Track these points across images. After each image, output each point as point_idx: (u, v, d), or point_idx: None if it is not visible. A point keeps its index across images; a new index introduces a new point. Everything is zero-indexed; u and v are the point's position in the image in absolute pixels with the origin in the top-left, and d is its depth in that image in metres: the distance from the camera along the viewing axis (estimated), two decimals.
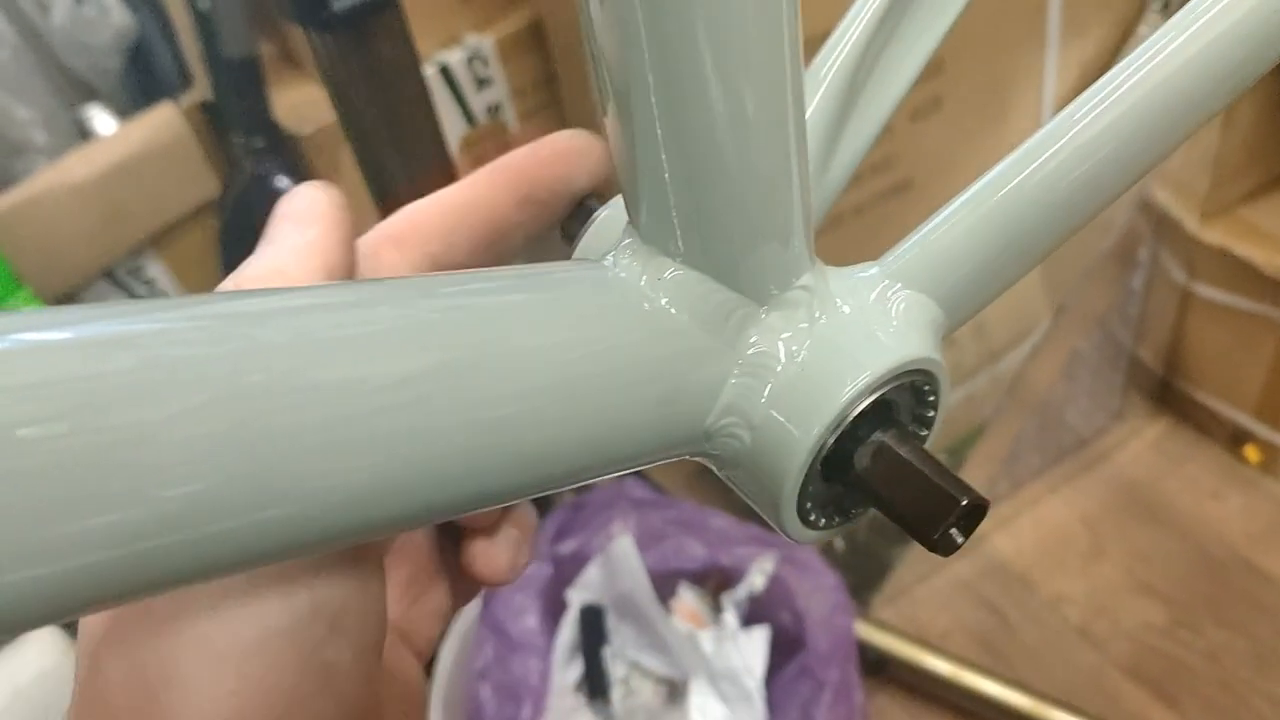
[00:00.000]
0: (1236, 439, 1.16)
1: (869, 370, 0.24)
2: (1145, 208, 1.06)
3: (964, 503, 0.23)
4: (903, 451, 0.24)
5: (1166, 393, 1.22)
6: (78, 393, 0.16)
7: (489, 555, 0.27)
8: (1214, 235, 1.05)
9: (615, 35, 0.21)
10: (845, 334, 0.24)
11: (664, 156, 0.22)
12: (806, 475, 0.24)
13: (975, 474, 1.11)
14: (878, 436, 0.24)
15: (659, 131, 0.22)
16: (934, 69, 0.90)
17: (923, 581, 1.12)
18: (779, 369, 0.24)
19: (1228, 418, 1.16)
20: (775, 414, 0.24)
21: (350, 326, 0.20)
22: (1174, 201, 1.07)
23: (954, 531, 0.23)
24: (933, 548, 0.23)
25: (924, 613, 1.10)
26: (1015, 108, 0.98)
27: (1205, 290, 1.10)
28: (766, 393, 0.24)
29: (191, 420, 0.17)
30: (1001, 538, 1.14)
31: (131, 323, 0.18)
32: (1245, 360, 1.11)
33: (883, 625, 1.04)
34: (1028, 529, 1.15)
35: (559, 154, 0.28)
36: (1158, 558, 1.10)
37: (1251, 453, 1.15)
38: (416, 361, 0.20)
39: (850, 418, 0.24)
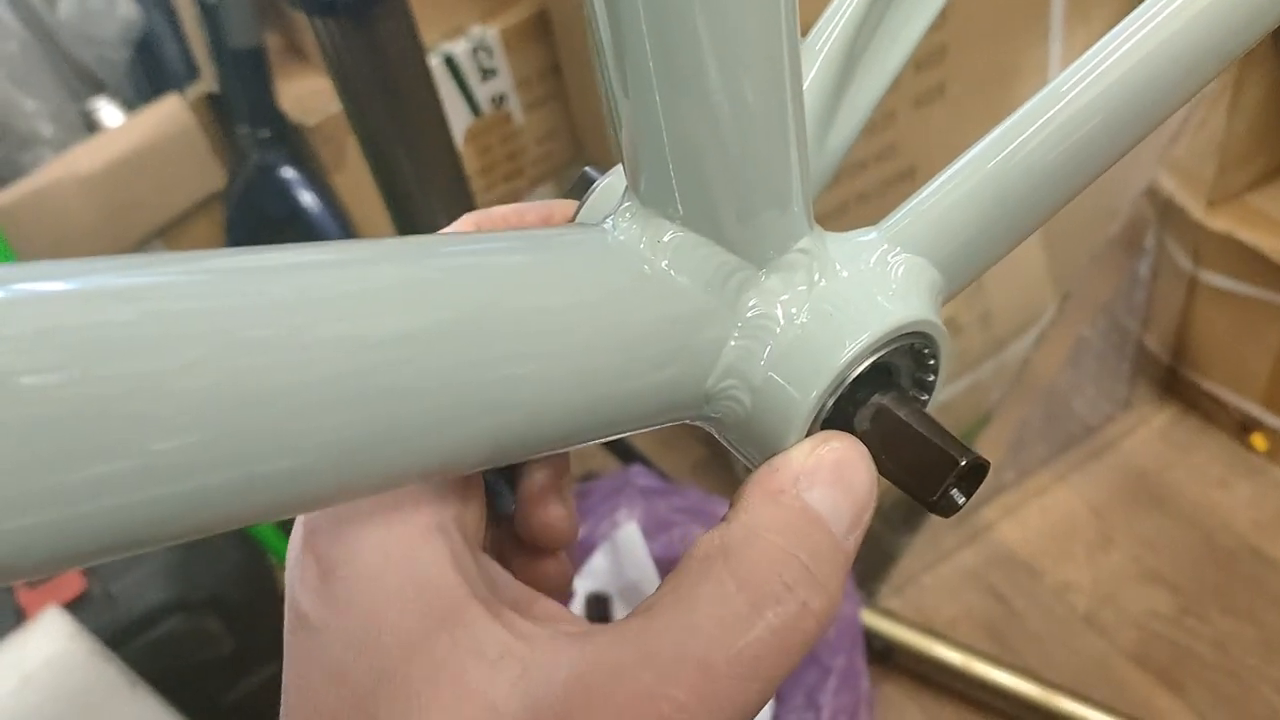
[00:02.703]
0: (1244, 427, 1.16)
1: (868, 331, 0.24)
2: (1151, 195, 1.06)
3: (963, 463, 0.23)
4: (902, 413, 0.24)
5: (1173, 381, 1.22)
6: (79, 343, 0.16)
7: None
8: (1220, 222, 1.05)
9: (611, 2, 0.21)
10: (844, 296, 0.24)
11: (662, 120, 0.23)
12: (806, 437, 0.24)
13: None
14: (877, 399, 0.24)
15: (657, 95, 0.22)
16: (937, 56, 0.90)
17: (929, 570, 1.12)
18: (778, 331, 0.24)
19: (1235, 406, 1.15)
20: (775, 376, 0.24)
21: (352, 283, 0.20)
22: (1180, 188, 1.06)
23: (955, 492, 0.24)
24: (933, 509, 0.24)
25: (931, 601, 1.10)
26: (1019, 95, 0.98)
27: (1211, 277, 1.10)
28: (766, 355, 0.24)
29: (191, 373, 0.17)
30: (1008, 526, 1.14)
31: (134, 276, 0.18)
32: (1252, 348, 1.10)
33: (889, 614, 1.04)
34: (1034, 517, 1.15)
35: (543, 222, 0.29)
36: (1165, 546, 1.10)
37: (1259, 441, 1.15)
38: (418, 319, 0.20)
39: (850, 379, 0.24)
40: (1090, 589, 1.08)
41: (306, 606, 0.23)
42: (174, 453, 0.17)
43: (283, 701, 0.24)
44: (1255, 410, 1.14)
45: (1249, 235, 1.03)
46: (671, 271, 0.24)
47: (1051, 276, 1.08)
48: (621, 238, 0.24)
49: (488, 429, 0.21)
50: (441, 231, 0.28)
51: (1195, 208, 1.06)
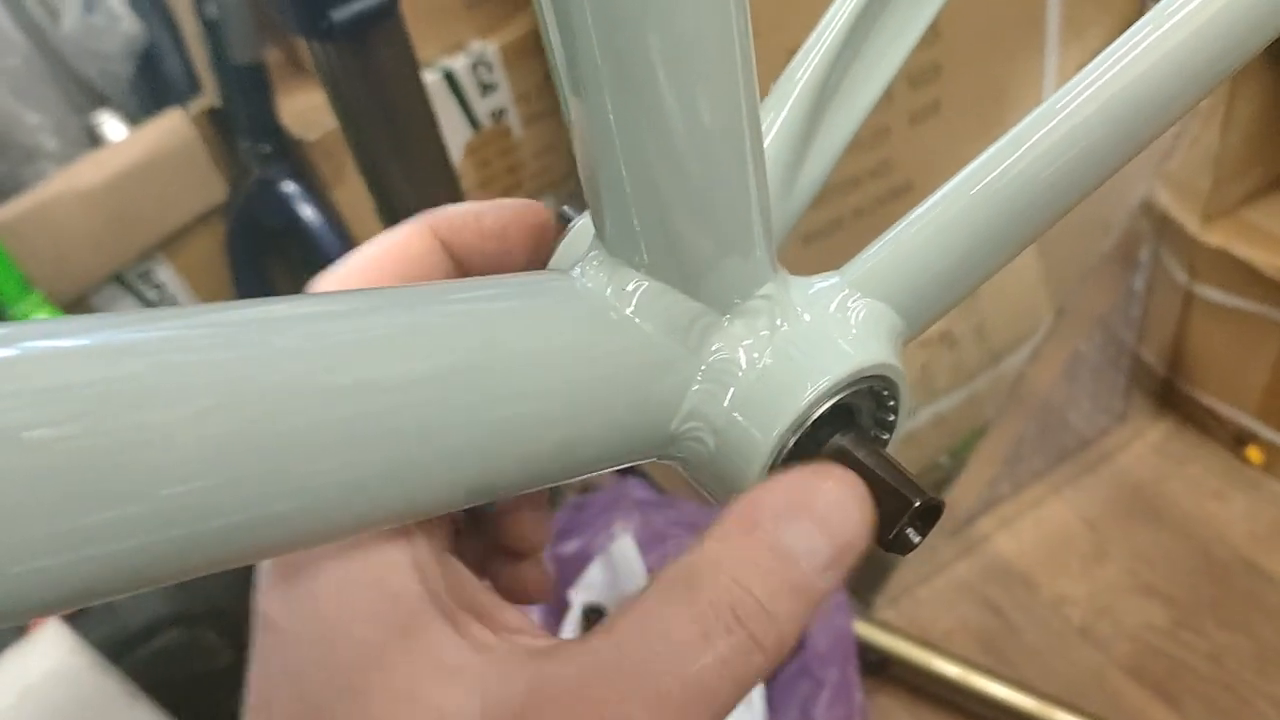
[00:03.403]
0: (1239, 440, 1.16)
1: (829, 375, 0.24)
2: (1146, 209, 1.06)
3: (917, 504, 0.24)
4: (859, 454, 0.24)
5: (1169, 394, 1.22)
6: (87, 397, 0.17)
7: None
8: (1215, 236, 1.05)
9: (570, 56, 0.22)
10: (806, 341, 0.25)
11: (624, 173, 0.23)
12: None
13: (977, 475, 1.11)
14: (837, 440, 0.25)
15: (618, 148, 0.23)
16: (932, 73, 0.91)
17: (924, 582, 1.12)
18: (740, 375, 0.25)
19: (1230, 419, 1.16)
20: (738, 417, 0.25)
21: (348, 333, 0.21)
22: (1175, 203, 1.07)
23: (910, 531, 0.24)
24: (888, 547, 0.24)
25: (926, 613, 1.10)
26: (1014, 110, 0.99)
27: (1207, 291, 1.10)
28: (729, 397, 0.25)
29: (201, 421, 0.18)
30: (1004, 538, 1.15)
31: (143, 330, 0.19)
32: (1248, 361, 1.11)
33: (885, 626, 1.04)
34: (1030, 530, 1.15)
35: (501, 227, 0.29)
36: (1160, 558, 1.10)
37: (1254, 454, 1.15)
38: (409, 366, 0.21)
39: (810, 421, 0.25)
40: (1086, 602, 1.08)
41: (271, 609, 0.24)
42: (184, 496, 0.18)
43: (245, 699, 0.24)
44: (1251, 423, 1.14)
45: (1244, 250, 1.03)
46: (637, 319, 0.24)
47: (1046, 290, 1.09)
48: (590, 285, 0.25)
49: (467, 470, 0.22)
50: (398, 229, 0.28)
51: (1190, 222, 1.06)
